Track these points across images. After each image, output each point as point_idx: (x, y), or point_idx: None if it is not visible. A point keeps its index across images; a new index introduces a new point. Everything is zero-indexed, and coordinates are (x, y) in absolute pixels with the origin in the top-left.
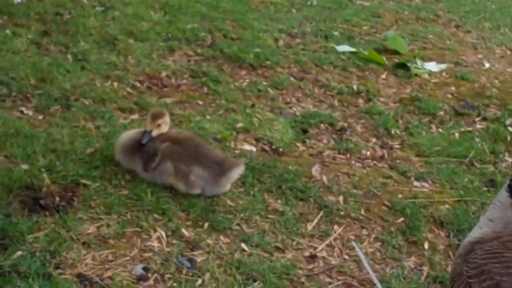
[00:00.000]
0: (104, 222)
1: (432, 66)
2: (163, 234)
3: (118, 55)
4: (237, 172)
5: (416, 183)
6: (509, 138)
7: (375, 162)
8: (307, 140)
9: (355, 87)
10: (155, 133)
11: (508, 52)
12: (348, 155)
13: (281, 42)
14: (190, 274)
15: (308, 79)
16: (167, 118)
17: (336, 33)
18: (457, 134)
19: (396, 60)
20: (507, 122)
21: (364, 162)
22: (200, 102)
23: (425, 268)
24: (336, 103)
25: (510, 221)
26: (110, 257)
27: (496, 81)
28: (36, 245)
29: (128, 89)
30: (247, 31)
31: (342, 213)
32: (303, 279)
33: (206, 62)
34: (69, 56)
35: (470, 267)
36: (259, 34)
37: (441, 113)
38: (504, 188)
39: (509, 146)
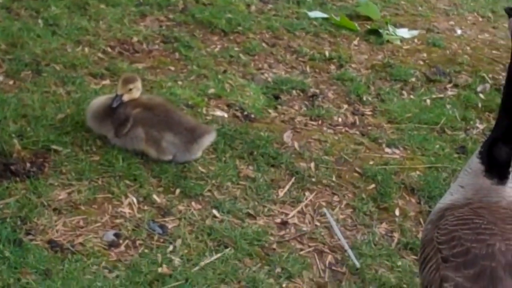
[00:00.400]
0: (75, 188)
1: (404, 33)
2: (135, 200)
3: (89, 20)
4: (208, 139)
5: (387, 150)
6: (480, 104)
7: (346, 128)
8: (279, 106)
9: (327, 53)
10: (126, 98)
11: (480, 19)
12: (320, 122)
13: (253, 8)
14: (162, 240)
15: (280, 45)
16: (138, 84)
17: None
18: (428, 101)
19: (368, 27)
20: (478, 88)
21: (336, 129)
22: (172, 68)
23: (396, 235)
24: (308, 69)
25: (480, 188)
26: (81, 223)
27: (468, 48)
28: (7, 211)
29: (99, 55)
30: None
31: (313, 179)
32: (274, 246)
33: (178, 28)
34: (40, 21)
35: (440, 233)
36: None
37: (413, 79)
38: (475, 154)
39: (480, 113)
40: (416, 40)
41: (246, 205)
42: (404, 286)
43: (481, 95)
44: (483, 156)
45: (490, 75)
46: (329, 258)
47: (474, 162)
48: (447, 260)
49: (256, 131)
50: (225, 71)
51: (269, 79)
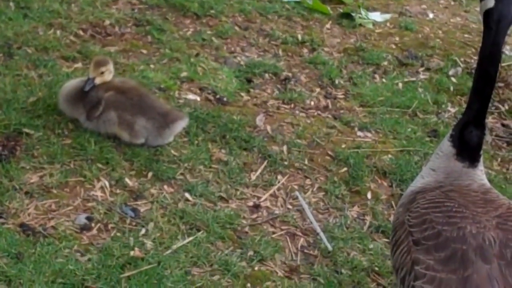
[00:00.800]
0: (47, 172)
1: (377, 16)
2: (107, 183)
3: (61, 3)
4: (181, 124)
5: (359, 133)
6: (451, 88)
7: (319, 112)
8: (251, 90)
9: (299, 37)
10: (98, 81)
11: (452, 3)
12: (292, 105)
13: None
14: (134, 223)
15: (253, 29)
16: (110, 66)
17: None
18: (400, 84)
19: (341, 10)
20: (450, 72)
21: (308, 112)
22: (144, 51)
23: (368, 218)
24: (280, 52)
25: (452, 171)
26: (53, 207)
27: (440, 32)
28: None
29: (71, 38)
30: None
31: (285, 163)
32: (246, 229)
33: (150, 11)
34: (11, 3)
35: (412, 216)
36: None
37: (385, 63)
38: (447, 138)
39: (451, 96)
40: (388, 24)
41: (219, 189)
42: (376, 268)
43: (453, 79)
44: (455, 139)
45: (462, 59)
46: (301, 241)
47: (446, 146)
48: (419, 243)
49: (229, 115)
50: (197, 55)
51: (242, 63)
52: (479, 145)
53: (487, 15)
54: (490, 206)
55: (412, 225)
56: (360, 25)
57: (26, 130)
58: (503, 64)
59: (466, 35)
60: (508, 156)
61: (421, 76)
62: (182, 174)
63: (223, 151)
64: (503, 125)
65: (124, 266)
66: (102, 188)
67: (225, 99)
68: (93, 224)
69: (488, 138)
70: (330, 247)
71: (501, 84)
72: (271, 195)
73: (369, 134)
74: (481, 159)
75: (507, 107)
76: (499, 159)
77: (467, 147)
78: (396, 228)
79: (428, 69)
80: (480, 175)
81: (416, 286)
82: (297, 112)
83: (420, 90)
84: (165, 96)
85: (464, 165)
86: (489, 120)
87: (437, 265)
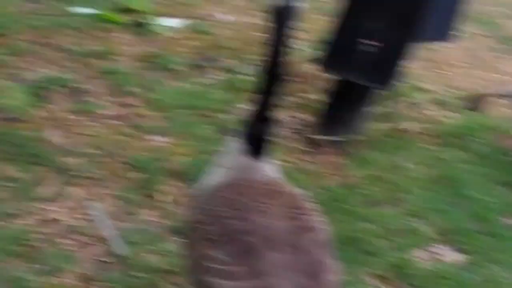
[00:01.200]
0: None
1: (170, 22)
2: None
3: None
4: None
5: (155, 138)
6: (242, 86)
7: (114, 121)
8: (44, 105)
9: (92, 48)
10: None
11: (243, 3)
12: (87, 116)
13: (18, 8)
14: None
15: (45, 44)
16: None
17: None
18: (195, 87)
19: (136, 19)
20: (243, 71)
21: (102, 122)
22: None
23: (163, 220)
24: (74, 65)
25: (240, 166)
26: None
27: (234, 33)
28: None
29: None
30: None
31: (80, 174)
32: (38, 243)
33: None
34: None
35: (203, 214)
36: None
37: (180, 67)
38: (234, 134)
39: (242, 94)
40: (184, 29)
41: (9, 206)
42: (172, 268)
43: (244, 77)
44: (241, 135)
45: (254, 57)
46: (96, 250)
47: (233, 142)
48: (209, 239)
49: (21, 132)
50: None
51: (33, 78)
52: (265, 139)
53: (271, 11)
54: (277, 197)
55: (203, 223)
56: (155, 32)
57: None
58: (294, 58)
59: (258, 34)
60: (298, 147)
61: (216, 77)
62: None
63: (14, 168)
64: (293, 117)
65: None
66: None
67: (16, 116)
68: None
69: (278, 131)
70: (125, 253)
71: (290, 77)
72: (64, 207)
73: (165, 139)
74: (269, 151)
75: (298, 100)
76: (291, 151)
77: (254, 142)
78: (188, 227)
79: (222, 70)
80: (268, 168)
81: (208, 281)
82: (92, 123)
83: (213, 90)
84: None
85: (252, 160)
86: (280, 113)
87: (226, 259)
